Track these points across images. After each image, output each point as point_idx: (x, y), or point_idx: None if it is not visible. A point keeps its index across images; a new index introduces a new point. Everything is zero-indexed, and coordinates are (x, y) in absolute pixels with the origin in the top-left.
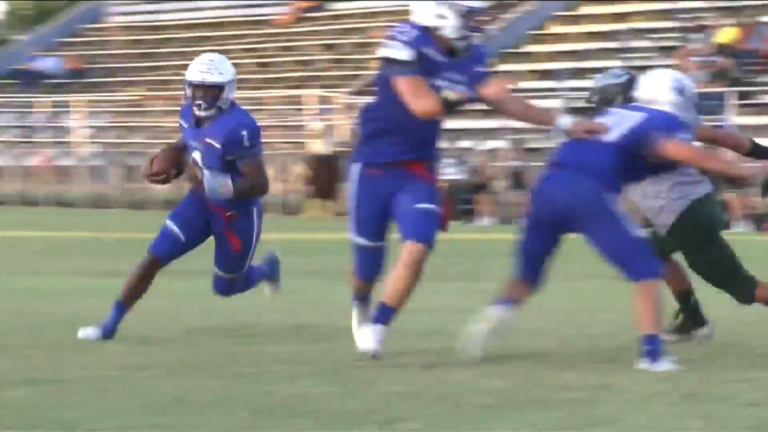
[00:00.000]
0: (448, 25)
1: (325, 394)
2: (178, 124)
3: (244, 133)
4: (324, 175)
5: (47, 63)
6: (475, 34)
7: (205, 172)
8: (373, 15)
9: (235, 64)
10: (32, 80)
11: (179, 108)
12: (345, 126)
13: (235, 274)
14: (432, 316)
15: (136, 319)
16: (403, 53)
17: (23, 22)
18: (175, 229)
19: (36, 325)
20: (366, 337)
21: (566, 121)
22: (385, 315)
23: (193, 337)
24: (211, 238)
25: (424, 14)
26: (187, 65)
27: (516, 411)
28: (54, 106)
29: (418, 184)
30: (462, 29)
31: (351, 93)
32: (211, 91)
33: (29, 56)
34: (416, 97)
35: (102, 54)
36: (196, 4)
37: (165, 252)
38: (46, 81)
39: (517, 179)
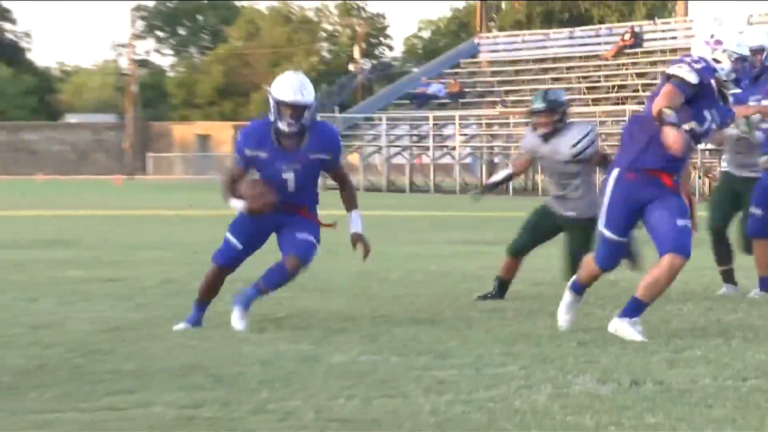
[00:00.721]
0: (723, 69)
1: None
2: (253, 153)
3: (339, 138)
4: None
5: (434, 88)
6: (738, 77)
7: None
8: (673, 51)
9: (571, 88)
10: (423, 101)
11: (522, 121)
12: None
13: (318, 238)
14: (715, 271)
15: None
16: (692, 77)
17: (417, 57)
18: (233, 239)
19: (419, 280)
20: (627, 330)
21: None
22: (639, 309)
23: (534, 288)
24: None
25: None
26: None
27: None
28: (437, 120)
29: (673, 199)
30: (732, 73)
31: None
32: (300, 111)
33: (421, 83)
34: (664, 99)
35: (474, 81)
36: (545, 43)
37: (226, 262)
38: (433, 101)
39: None
